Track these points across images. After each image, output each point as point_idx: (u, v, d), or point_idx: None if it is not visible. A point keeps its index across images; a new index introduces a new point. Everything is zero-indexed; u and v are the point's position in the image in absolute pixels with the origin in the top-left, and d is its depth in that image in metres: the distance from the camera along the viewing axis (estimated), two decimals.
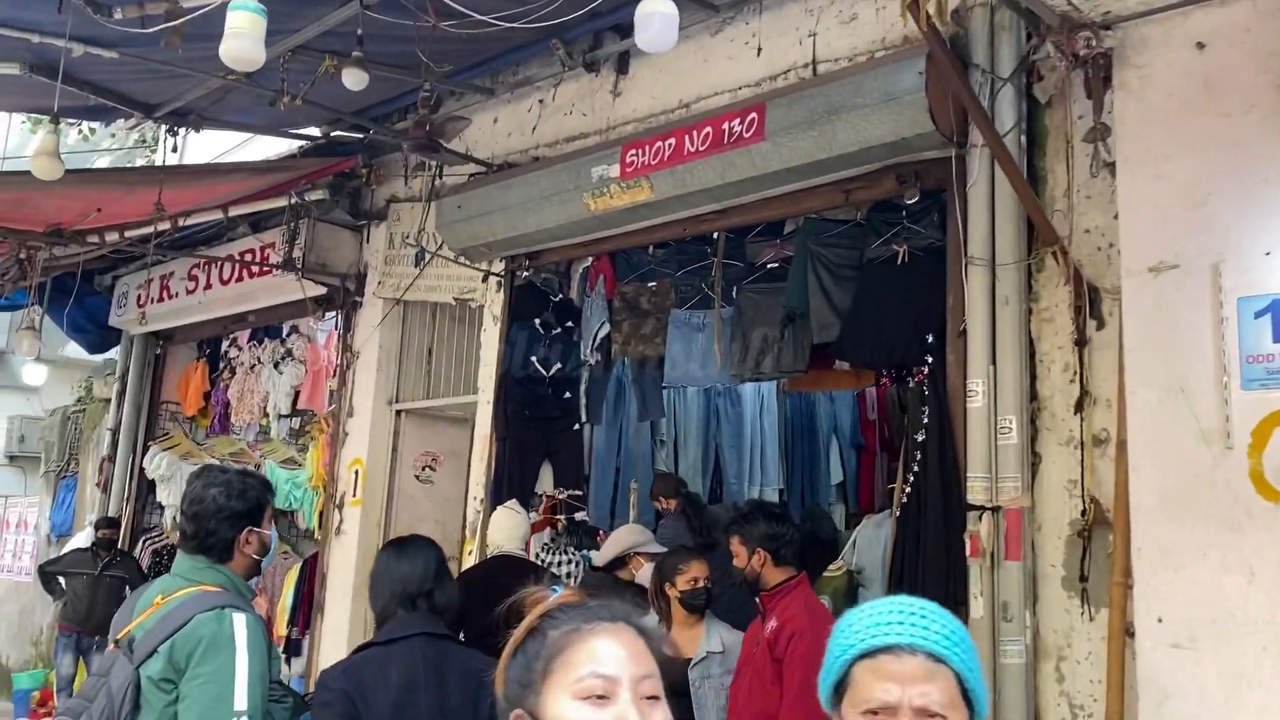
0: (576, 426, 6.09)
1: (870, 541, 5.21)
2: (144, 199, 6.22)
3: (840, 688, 1.47)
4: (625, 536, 4.60)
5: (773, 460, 7.29)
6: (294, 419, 8.71)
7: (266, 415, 8.61)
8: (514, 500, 5.28)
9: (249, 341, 9.04)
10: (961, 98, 3.79)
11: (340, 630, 6.71)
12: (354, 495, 7.01)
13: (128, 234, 6.87)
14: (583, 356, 5.96)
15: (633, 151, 5.12)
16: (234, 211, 6.96)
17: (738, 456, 7.05)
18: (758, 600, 3.66)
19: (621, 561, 4.55)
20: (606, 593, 4.55)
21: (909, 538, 4.18)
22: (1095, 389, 3.91)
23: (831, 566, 4.90)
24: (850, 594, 4.99)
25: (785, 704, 3.28)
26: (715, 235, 5.54)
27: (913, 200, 4.46)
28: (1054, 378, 4.05)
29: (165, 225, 6.57)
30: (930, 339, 4.33)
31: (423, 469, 7.20)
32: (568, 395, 6.10)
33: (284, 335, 8.72)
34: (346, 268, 7.35)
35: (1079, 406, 3.93)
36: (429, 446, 7.26)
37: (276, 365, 8.52)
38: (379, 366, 7.15)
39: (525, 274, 6.17)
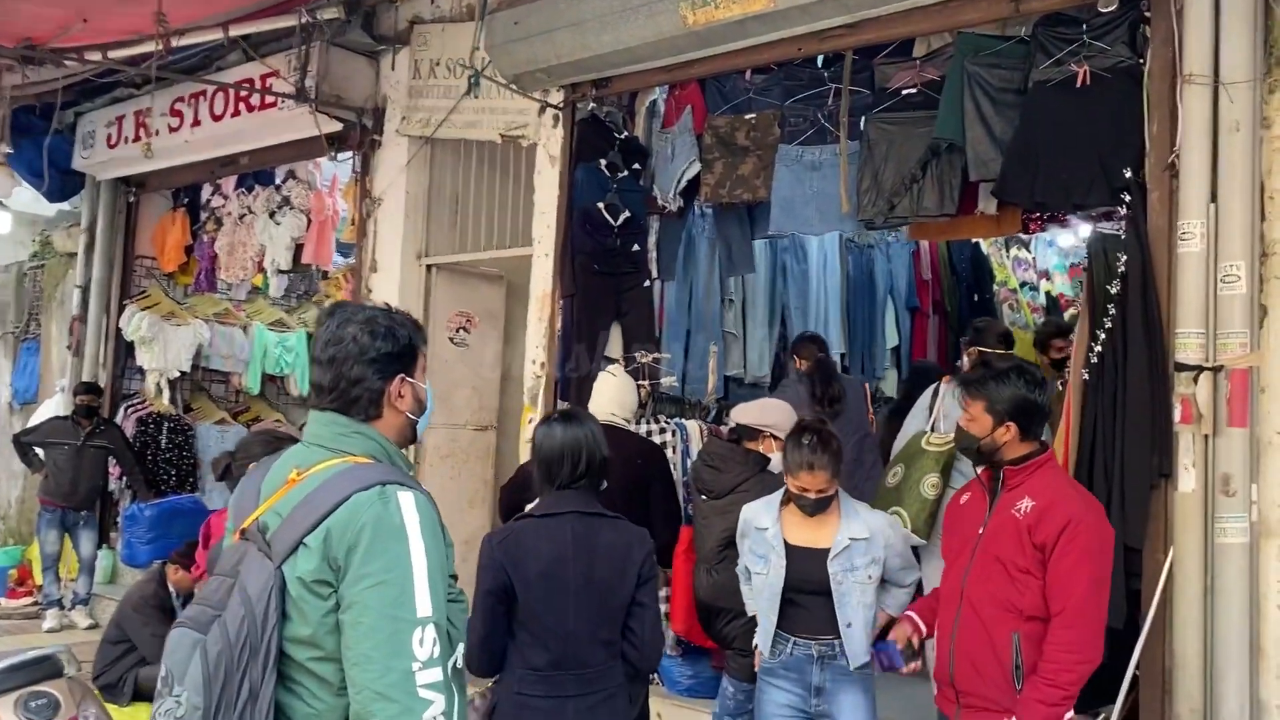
0: (647, 283, 5.41)
1: None
2: (134, 12, 5.27)
3: None
4: (777, 413, 3.97)
5: (835, 323, 6.71)
6: (296, 275, 7.88)
7: (262, 271, 7.76)
8: (616, 365, 4.64)
9: (236, 189, 8.10)
10: None
11: None
12: None
13: (111, 54, 5.87)
14: (663, 201, 5.23)
15: None
16: (235, 31, 5.98)
17: (804, 318, 6.44)
18: (986, 471, 3.02)
19: (754, 433, 3.96)
20: (735, 464, 4.00)
21: (1103, 403, 3.64)
22: None
23: (936, 438, 4.32)
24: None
25: (1073, 605, 2.70)
26: (824, 58, 4.81)
27: (1109, 8, 3.77)
28: None
29: (158, 45, 5.59)
30: (1128, 173, 3.70)
31: (457, 331, 6.50)
32: (636, 248, 5.39)
33: (278, 181, 7.80)
34: (363, 100, 6.45)
35: None
36: (462, 306, 6.54)
37: (272, 215, 7.64)
38: (405, 215, 6.35)
39: (590, 106, 5.38)
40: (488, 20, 5.23)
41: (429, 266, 6.42)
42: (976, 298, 8.37)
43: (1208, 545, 3.44)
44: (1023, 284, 9.56)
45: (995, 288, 8.74)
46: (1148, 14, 3.81)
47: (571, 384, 5.13)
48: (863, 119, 4.57)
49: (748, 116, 4.92)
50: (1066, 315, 10.11)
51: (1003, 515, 2.88)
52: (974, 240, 8.57)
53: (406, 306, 6.25)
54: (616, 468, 3.90)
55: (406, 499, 1.86)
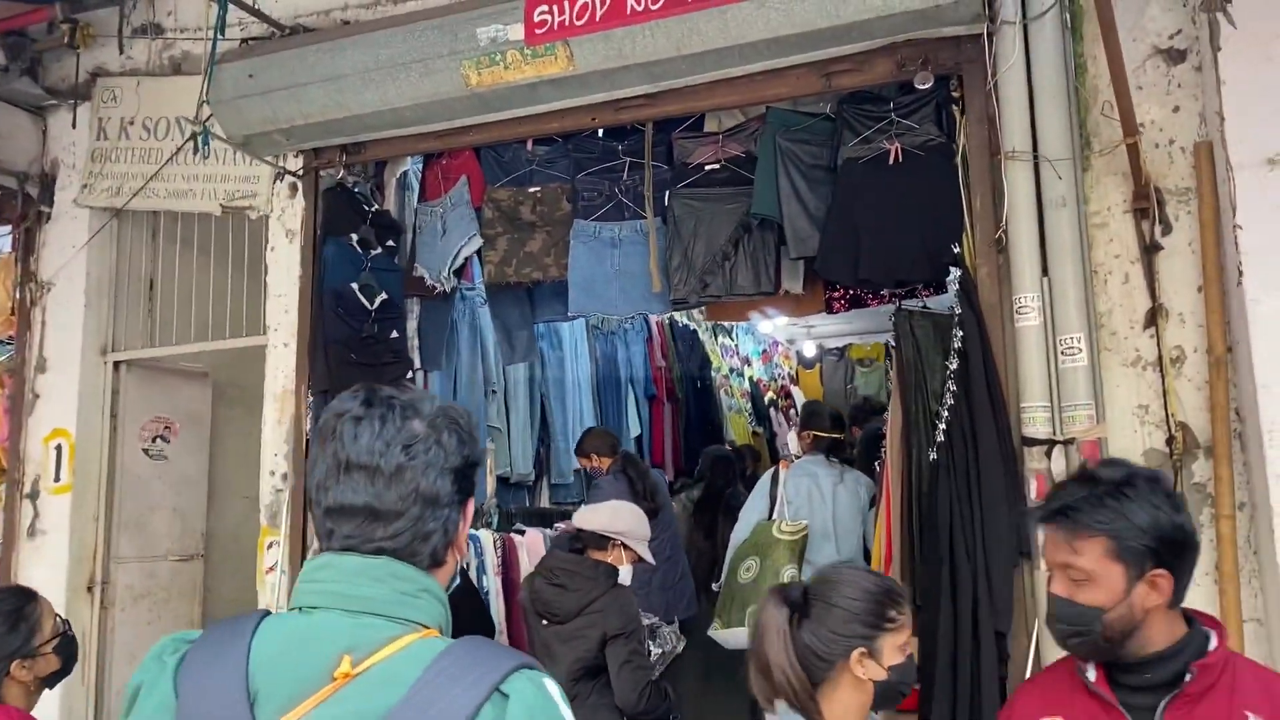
0: (410, 374, 4.75)
1: (810, 493, 4.48)
2: None
3: None
4: (629, 517, 3.45)
5: (589, 412, 6.34)
6: None
7: None
8: None
9: None
10: None
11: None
12: (57, 480, 5.05)
13: None
14: (431, 281, 4.62)
15: (544, 8, 3.94)
16: None
17: (562, 409, 6.00)
18: (1102, 673, 1.88)
19: (602, 541, 3.43)
20: (584, 580, 3.43)
21: (957, 485, 3.50)
22: (1166, 301, 3.48)
23: (788, 525, 4.09)
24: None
25: None
26: (614, 130, 4.51)
27: (925, 85, 3.77)
28: (1111, 291, 3.57)
29: None
30: (957, 248, 3.67)
31: (153, 440, 5.38)
32: (395, 334, 4.72)
33: None
34: (27, 164, 5.28)
35: (1150, 321, 3.48)
36: (159, 411, 5.44)
37: None
38: (86, 302, 5.21)
39: (339, 174, 4.69)
40: (215, 71, 4.41)
41: (117, 364, 5.29)
42: (700, 384, 8.39)
43: None
44: (730, 370, 9.79)
45: (713, 374, 8.83)
46: (955, 94, 3.86)
47: None
48: (666, 194, 4.28)
49: (532, 190, 4.47)
50: (766, 399, 10.49)
51: None
52: (693, 327, 8.65)
53: (89, 413, 5.14)
54: None
55: (553, 689, 1.21)
